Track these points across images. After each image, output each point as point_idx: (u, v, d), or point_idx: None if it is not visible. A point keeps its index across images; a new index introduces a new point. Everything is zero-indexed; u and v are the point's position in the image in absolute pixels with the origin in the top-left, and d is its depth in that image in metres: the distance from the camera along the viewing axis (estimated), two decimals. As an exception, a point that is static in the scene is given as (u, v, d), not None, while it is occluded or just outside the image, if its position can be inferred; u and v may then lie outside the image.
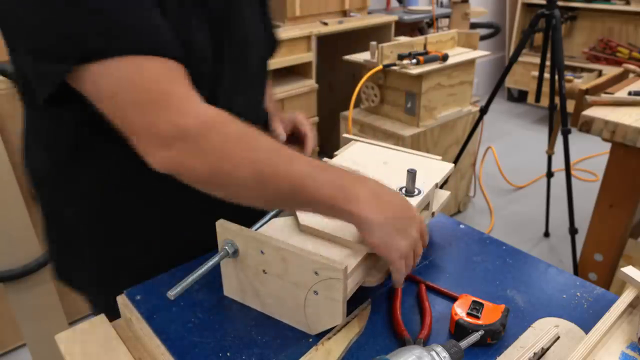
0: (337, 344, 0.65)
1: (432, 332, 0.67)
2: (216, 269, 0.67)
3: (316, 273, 0.61)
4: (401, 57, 2.13)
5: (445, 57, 2.16)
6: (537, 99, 2.22)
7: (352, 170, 0.66)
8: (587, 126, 1.46)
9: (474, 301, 0.67)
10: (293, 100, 2.30)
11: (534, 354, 0.60)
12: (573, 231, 2.05)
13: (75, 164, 0.75)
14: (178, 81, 0.59)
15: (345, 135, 0.95)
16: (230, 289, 0.72)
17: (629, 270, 0.68)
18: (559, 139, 2.07)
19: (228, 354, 0.63)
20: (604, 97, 1.54)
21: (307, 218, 0.71)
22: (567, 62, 3.58)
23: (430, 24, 3.09)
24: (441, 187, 0.84)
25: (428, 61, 2.12)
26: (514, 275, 0.78)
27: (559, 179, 2.36)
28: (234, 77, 0.77)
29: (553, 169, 2.37)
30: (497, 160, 2.99)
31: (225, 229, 0.66)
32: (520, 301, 0.72)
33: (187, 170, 0.58)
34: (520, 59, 2.47)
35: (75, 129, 0.72)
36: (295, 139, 0.98)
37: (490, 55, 3.31)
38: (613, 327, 0.63)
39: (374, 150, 0.90)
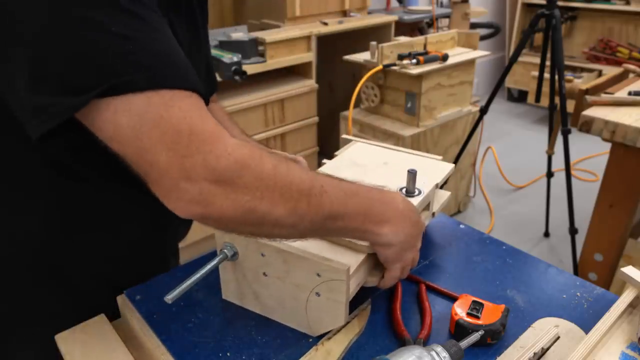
0: (337, 344, 0.65)
1: (432, 332, 0.67)
2: (216, 270, 0.67)
3: (318, 275, 0.61)
4: (401, 57, 2.13)
5: (445, 57, 2.16)
6: (537, 99, 2.22)
7: (379, 187, 0.67)
8: (587, 126, 1.46)
9: (474, 301, 0.67)
10: (293, 100, 2.30)
11: (534, 354, 0.61)
12: (573, 231, 2.05)
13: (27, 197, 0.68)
14: (207, 117, 0.53)
15: (344, 136, 0.95)
16: (229, 292, 0.72)
17: (629, 270, 0.68)
18: (559, 139, 2.07)
19: (228, 354, 0.63)
20: (604, 97, 1.54)
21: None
22: (567, 62, 3.57)
23: (430, 24, 3.09)
24: (441, 187, 0.84)
25: (428, 61, 2.12)
26: (514, 275, 0.78)
27: (559, 179, 2.36)
28: None
29: (553, 169, 2.37)
30: (497, 160, 2.99)
31: (224, 232, 0.66)
32: (520, 301, 0.72)
33: (217, 211, 0.53)
34: (520, 59, 2.46)
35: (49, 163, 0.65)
36: None
37: (490, 55, 3.30)
38: (613, 327, 0.63)
39: (374, 151, 0.90)
